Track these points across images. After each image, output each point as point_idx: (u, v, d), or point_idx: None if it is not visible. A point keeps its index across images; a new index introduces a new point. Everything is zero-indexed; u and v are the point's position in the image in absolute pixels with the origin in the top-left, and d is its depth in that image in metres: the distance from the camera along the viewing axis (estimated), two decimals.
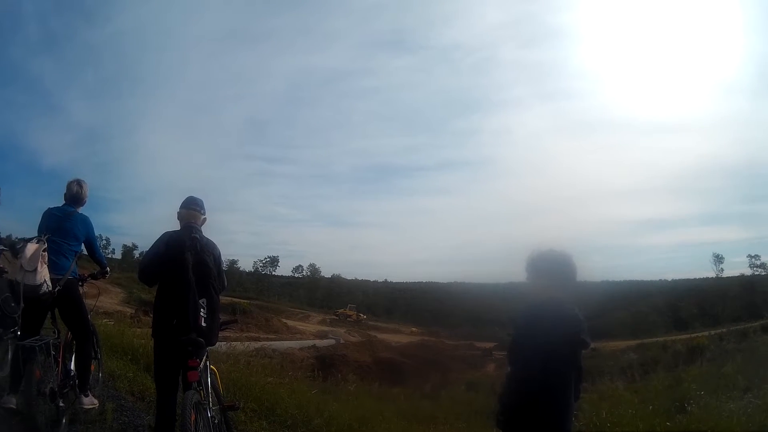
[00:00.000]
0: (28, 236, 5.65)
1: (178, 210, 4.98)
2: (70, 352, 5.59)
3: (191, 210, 4.97)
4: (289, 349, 31.21)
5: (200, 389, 4.48)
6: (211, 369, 4.89)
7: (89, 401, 5.56)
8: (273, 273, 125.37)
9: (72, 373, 5.48)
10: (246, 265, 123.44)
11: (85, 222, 5.84)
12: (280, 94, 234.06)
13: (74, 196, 5.82)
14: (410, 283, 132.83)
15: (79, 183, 5.89)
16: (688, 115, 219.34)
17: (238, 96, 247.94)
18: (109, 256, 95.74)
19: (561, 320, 3.22)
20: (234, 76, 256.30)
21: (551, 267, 3.48)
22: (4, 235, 6.03)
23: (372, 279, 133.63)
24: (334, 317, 77.86)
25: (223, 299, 5.06)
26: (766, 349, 17.76)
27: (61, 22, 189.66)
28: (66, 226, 5.59)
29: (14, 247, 5.40)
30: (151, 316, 5.32)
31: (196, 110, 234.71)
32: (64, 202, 5.79)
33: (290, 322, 62.01)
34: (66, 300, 5.41)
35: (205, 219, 5.03)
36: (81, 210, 5.88)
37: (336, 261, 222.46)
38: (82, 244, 5.83)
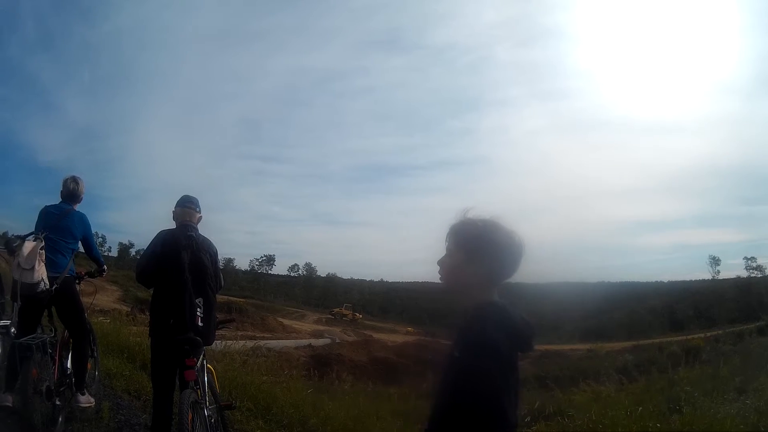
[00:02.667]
0: (24, 233, 5.66)
1: (173, 209, 4.99)
2: (67, 351, 5.59)
3: (186, 208, 4.96)
4: (285, 348, 31.16)
5: (197, 388, 4.47)
6: (207, 368, 4.88)
7: (86, 400, 5.56)
8: (269, 272, 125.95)
9: (69, 372, 5.48)
10: (242, 263, 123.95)
11: (83, 220, 5.84)
12: (275, 93, 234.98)
13: (71, 192, 5.82)
14: (406, 282, 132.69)
15: (75, 180, 5.88)
16: (685, 116, 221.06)
17: (233, 95, 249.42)
18: (106, 254, 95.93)
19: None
20: (229, 75, 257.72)
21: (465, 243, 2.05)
22: (1, 233, 6.04)
23: (368, 278, 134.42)
24: (330, 316, 77.95)
25: (219, 298, 5.07)
26: (761, 351, 17.77)
27: (58, 20, 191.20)
28: (63, 223, 5.59)
29: (10, 245, 5.40)
30: (147, 314, 5.34)
31: (192, 109, 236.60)
32: (60, 199, 5.79)
33: (286, 321, 61.96)
34: (63, 298, 5.41)
35: (200, 217, 5.03)
36: (77, 207, 5.88)
37: (332, 260, 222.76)
38: (79, 242, 5.83)
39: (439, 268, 2.13)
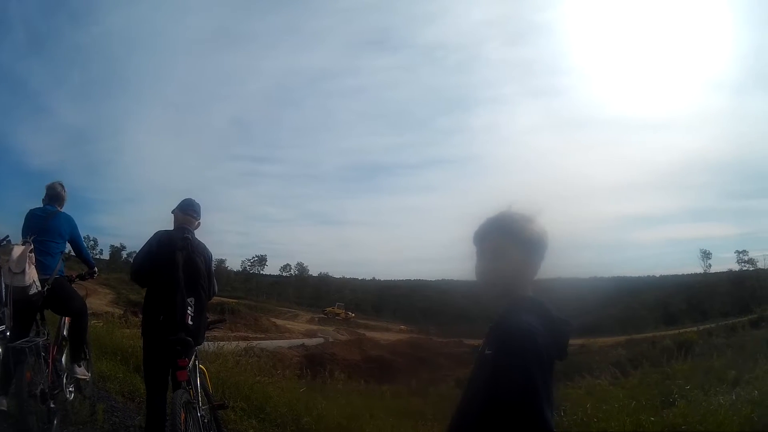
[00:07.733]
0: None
1: (175, 210, 5.04)
2: (60, 353, 5.59)
3: (187, 215, 5.03)
4: (277, 348, 31.12)
5: (190, 388, 4.49)
6: (200, 368, 4.90)
7: (82, 372, 5.64)
8: (261, 272, 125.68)
9: (62, 374, 5.48)
10: (234, 264, 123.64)
11: (69, 220, 5.83)
12: (266, 94, 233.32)
13: (57, 195, 5.82)
14: (399, 281, 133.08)
15: (61, 184, 5.92)
16: (676, 111, 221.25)
17: (224, 96, 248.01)
18: (97, 256, 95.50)
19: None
20: (220, 76, 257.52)
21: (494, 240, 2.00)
22: None
23: (360, 277, 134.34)
24: (323, 316, 78.05)
25: (212, 299, 5.07)
26: (754, 344, 17.89)
27: (47, 23, 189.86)
28: (50, 225, 5.58)
29: None
30: (140, 316, 5.34)
31: (183, 111, 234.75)
32: (43, 204, 5.78)
33: (279, 321, 61.97)
34: (56, 298, 5.41)
35: (199, 224, 5.08)
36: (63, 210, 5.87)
37: (324, 259, 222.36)
38: (67, 242, 5.82)
39: (474, 273, 2.05)
